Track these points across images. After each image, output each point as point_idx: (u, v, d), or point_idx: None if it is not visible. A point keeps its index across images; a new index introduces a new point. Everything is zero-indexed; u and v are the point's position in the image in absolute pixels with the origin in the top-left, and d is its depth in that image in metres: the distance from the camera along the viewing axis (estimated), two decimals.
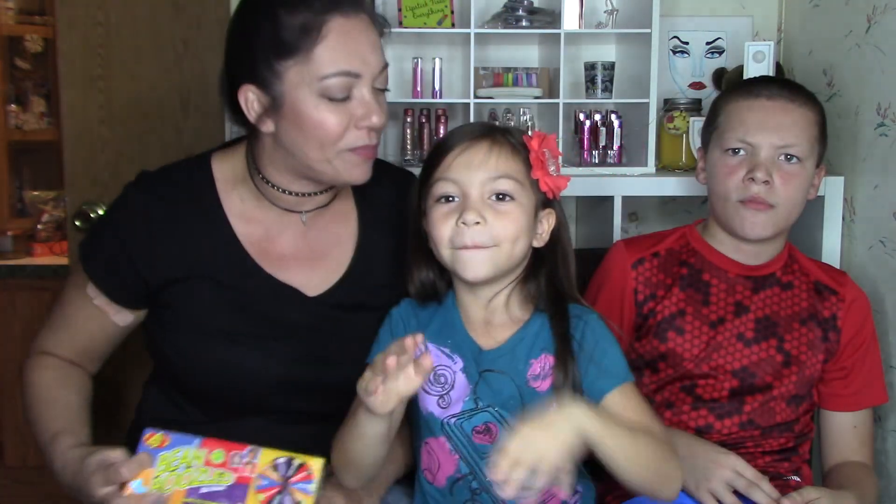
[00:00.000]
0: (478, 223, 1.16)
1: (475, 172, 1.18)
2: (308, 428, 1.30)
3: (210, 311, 1.29)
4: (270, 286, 1.30)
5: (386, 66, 1.24)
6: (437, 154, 1.23)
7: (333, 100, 1.19)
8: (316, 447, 1.16)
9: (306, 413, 1.32)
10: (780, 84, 1.52)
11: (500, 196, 1.18)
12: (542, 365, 1.21)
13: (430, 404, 1.22)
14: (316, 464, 1.13)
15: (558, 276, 1.26)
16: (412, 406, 1.24)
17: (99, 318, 1.34)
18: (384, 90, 1.26)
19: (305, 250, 1.34)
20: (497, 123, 1.25)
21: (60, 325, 1.37)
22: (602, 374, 1.20)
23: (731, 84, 1.84)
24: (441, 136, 2.07)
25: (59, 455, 1.21)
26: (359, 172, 1.26)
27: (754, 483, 1.32)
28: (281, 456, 1.13)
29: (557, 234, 1.27)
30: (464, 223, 1.17)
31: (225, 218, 1.31)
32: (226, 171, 1.34)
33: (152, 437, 1.15)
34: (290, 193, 1.31)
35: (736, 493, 1.33)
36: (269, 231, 1.33)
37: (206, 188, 1.32)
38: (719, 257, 1.52)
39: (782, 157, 1.44)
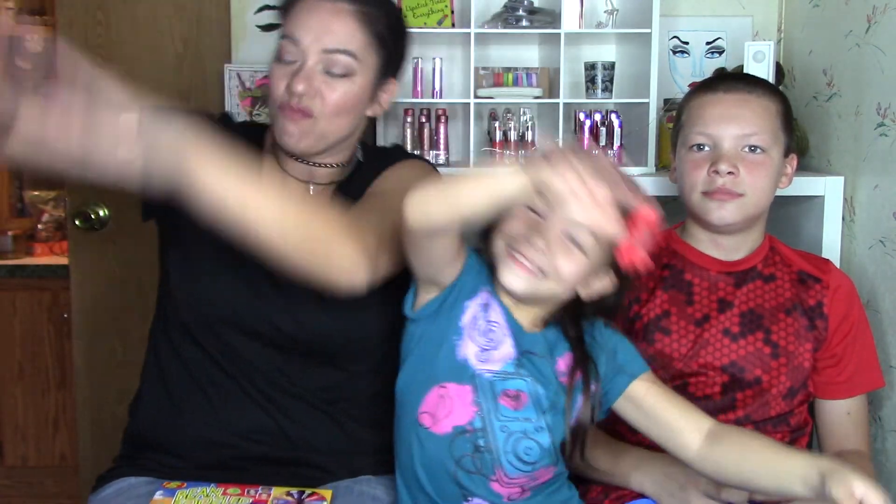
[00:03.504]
0: (542, 253, 1.16)
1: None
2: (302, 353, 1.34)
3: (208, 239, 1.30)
4: None
5: (341, 51, 1.30)
6: None
7: (281, 60, 1.32)
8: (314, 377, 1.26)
9: (291, 337, 1.33)
10: (738, 78, 1.54)
11: (574, 241, 1.16)
12: (566, 362, 1.24)
13: (469, 353, 1.21)
14: (327, 493, 1.24)
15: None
16: (430, 347, 1.23)
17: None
18: (341, 76, 1.31)
19: None
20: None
21: None
22: (619, 370, 1.25)
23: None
24: (440, 136, 2.07)
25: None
26: (286, 131, 1.33)
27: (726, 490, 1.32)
28: (294, 489, 1.24)
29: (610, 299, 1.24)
30: (535, 247, 1.16)
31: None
32: (270, 138, 1.45)
33: (170, 483, 1.25)
34: (289, 156, 1.39)
35: None
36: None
37: (256, 148, 1.42)
38: (699, 256, 1.53)
39: (746, 149, 1.45)
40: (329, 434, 1.36)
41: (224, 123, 1.45)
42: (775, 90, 1.53)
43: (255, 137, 1.43)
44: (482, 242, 1.24)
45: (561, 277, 1.17)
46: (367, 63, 1.33)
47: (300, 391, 1.35)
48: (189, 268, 1.35)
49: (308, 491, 1.24)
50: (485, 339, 1.21)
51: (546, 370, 1.22)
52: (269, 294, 1.32)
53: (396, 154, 1.47)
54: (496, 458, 1.19)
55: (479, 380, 1.20)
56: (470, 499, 1.21)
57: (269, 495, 1.22)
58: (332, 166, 1.40)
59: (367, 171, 1.43)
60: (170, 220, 1.35)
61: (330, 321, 1.32)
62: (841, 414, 1.53)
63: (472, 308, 1.22)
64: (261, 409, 1.33)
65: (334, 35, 1.30)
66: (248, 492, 1.23)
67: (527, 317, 1.24)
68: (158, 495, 1.22)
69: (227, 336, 1.33)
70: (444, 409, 1.20)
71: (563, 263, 1.16)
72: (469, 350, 1.21)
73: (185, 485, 1.24)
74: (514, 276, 1.17)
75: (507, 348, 1.21)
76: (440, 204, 1.08)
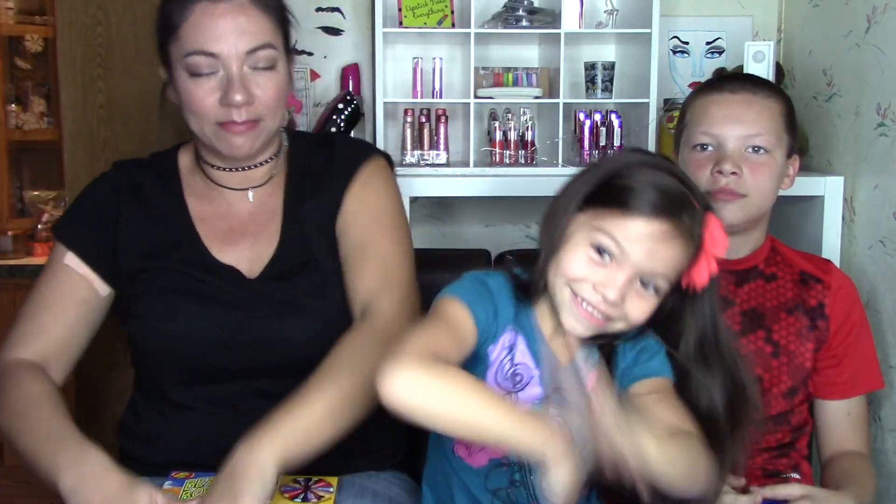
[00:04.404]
0: (614, 304, 1.10)
1: (643, 260, 1.08)
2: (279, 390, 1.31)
3: (161, 283, 1.34)
4: (212, 266, 1.34)
5: (261, 47, 1.28)
6: (612, 200, 1.10)
7: (198, 75, 1.28)
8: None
9: (264, 369, 1.33)
10: (744, 78, 1.54)
11: (645, 283, 1.10)
12: (592, 381, 1.18)
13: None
14: (333, 480, 1.25)
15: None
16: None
17: (83, 287, 1.34)
18: (267, 68, 1.30)
19: (249, 227, 1.38)
20: (687, 196, 1.11)
21: (39, 308, 1.34)
22: (637, 368, 1.18)
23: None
24: (440, 136, 2.07)
25: (91, 467, 1.14)
26: (235, 145, 1.32)
27: (723, 494, 1.31)
28: (300, 476, 1.24)
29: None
30: (605, 299, 1.09)
31: (184, 200, 1.39)
32: (188, 158, 1.44)
33: (179, 473, 1.26)
34: (220, 168, 1.39)
35: None
36: (219, 210, 1.39)
37: (171, 173, 1.41)
38: None
39: (749, 149, 1.45)
40: (325, 455, 1.35)
41: (125, 170, 1.42)
42: (780, 91, 1.53)
43: (166, 166, 1.42)
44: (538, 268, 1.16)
45: (631, 320, 1.12)
46: (280, 46, 1.32)
47: (255, 372, 1.33)
48: (150, 319, 1.33)
49: (314, 478, 1.25)
50: (510, 384, 1.16)
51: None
52: (216, 327, 1.31)
53: (350, 160, 1.41)
54: (532, 492, 1.17)
55: None
56: None
57: (277, 483, 1.23)
58: (268, 161, 1.40)
59: (313, 164, 1.41)
60: (129, 289, 1.35)
61: (300, 328, 1.31)
62: (840, 414, 1.53)
63: (496, 351, 1.16)
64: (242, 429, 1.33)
65: (250, 34, 1.27)
66: None
67: (562, 345, 1.18)
68: (167, 485, 1.22)
69: (204, 367, 1.32)
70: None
71: (635, 309, 1.10)
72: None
73: (194, 474, 1.25)
74: (577, 323, 1.12)
75: (532, 389, 1.16)
76: (434, 400, 0.98)
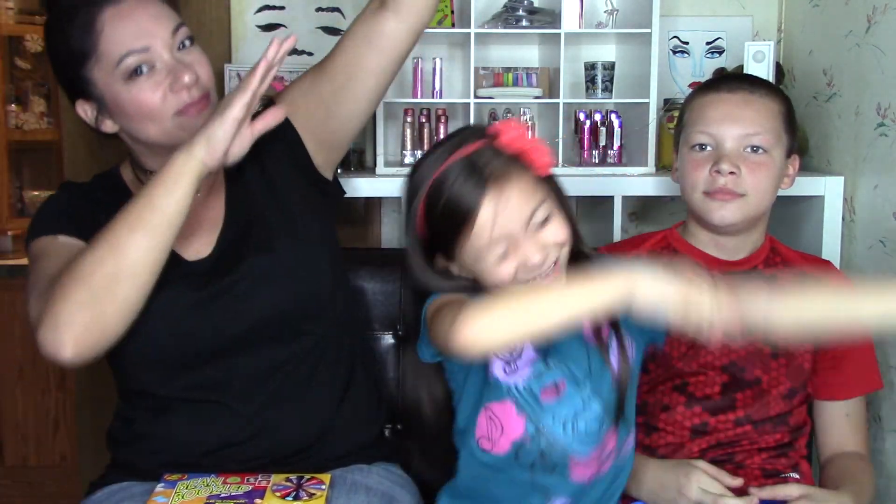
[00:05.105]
0: (546, 255, 1.18)
1: (515, 218, 1.17)
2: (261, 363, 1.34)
3: None
4: (173, 262, 1.31)
5: (179, 26, 1.30)
6: (453, 228, 1.18)
7: (137, 75, 1.26)
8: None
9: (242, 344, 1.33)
10: (741, 78, 1.55)
11: (541, 221, 1.19)
12: (590, 324, 1.25)
13: (497, 370, 1.23)
14: (326, 477, 1.26)
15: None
16: (471, 373, 1.25)
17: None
18: (187, 42, 1.31)
19: (203, 215, 1.38)
20: (477, 157, 1.19)
21: (55, 273, 1.28)
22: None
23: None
24: (440, 137, 2.07)
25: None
26: (196, 128, 1.30)
27: (720, 497, 1.32)
28: (292, 475, 1.26)
29: None
30: (537, 265, 1.17)
31: None
32: (130, 173, 1.42)
33: (172, 475, 1.26)
34: None
35: None
36: None
37: (120, 188, 1.40)
38: (700, 255, 1.52)
39: (748, 149, 1.45)
40: (303, 429, 1.35)
41: (75, 187, 1.42)
42: (777, 91, 1.53)
43: (113, 183, 1.41)
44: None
45: (563, 243, 1.20)
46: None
47: (258, 392, 1.33)
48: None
49: (307, 476, 1.26)
50: (507, 353, 1.22)
51: (574, 346, 1.23)
52: (199, 308, 1.31)
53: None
54: (563, 450, 1.22)
55: (515, 391, 1.22)
56: (553, 499, 1.24)
57: (269, 482, 1.24)
58: None
59: None
60: None
61: (271, 294, 1.32)
62: (840, 415, 1.53)
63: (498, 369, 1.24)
64: (223, 423, 1.32)
65: (164, 17, 1.28)
66: (247, 479, 1.25)
67: None
68: (160, 487, 1.23)
69: (183, 356, 1.32)
70: (496, 430, 1.23)
71: (554, 235, 1.18)
72: (496, 368, 1.23)
73: (187, 476, 1.25)
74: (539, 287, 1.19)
75: (528, 351, 1.23)
76: (508, 327, 1.06)
